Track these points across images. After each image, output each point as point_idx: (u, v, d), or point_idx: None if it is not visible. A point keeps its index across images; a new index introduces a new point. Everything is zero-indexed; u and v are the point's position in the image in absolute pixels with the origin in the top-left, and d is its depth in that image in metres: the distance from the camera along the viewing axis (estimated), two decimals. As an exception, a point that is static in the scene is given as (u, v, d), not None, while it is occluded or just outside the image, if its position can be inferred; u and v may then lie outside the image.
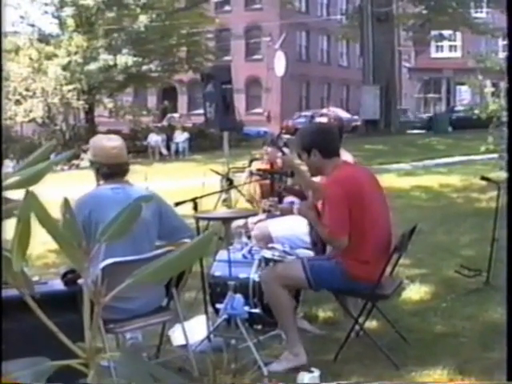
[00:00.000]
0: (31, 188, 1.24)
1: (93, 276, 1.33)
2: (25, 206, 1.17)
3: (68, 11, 36.18)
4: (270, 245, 6.11)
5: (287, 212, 6.48)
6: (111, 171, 4.82)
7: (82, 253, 1.21)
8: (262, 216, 7.01)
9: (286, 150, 6.52)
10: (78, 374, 1.31)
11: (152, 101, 50.09)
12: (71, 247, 1.19)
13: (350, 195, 5.02)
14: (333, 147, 5.30)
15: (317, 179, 5.51)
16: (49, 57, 34.71)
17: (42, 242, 1.45)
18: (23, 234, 1.17)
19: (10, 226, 1.32)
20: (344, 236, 5.01)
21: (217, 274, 6.05)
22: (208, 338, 5.49)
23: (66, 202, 1.23)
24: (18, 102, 33.53)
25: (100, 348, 1.25)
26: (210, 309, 5.98)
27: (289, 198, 6.90)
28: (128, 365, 1.23)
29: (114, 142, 4.97)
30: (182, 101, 52.96)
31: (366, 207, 5.09)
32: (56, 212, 1.28)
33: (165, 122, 40.12)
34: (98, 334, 1.52)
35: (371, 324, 5.84)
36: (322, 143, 5.23)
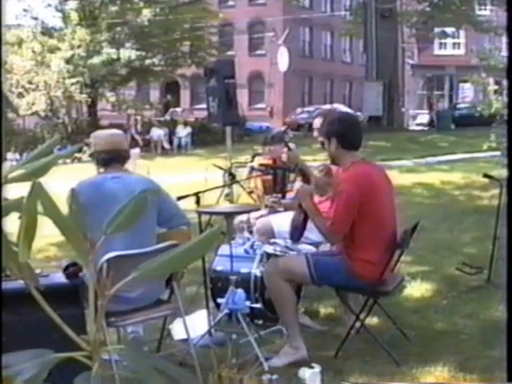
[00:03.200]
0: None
1: (95, 268, 1.33)
2: (31, 197, 1.17)
3: (71, 4, 36.29)
4: (271, 240, 6.10)
5: (290, 207, 6.47)
6: (109, 157, 4.88)
7: (87, 245, 1.21)
8: (264, 211, 7.01)
9: (291, 145, 6.51)
10: (79, 368, 1.31)
11: (155, 95, 50.05)
12: (77, 239, 1.19)
13: (364, 196, 5.01)
14: (352, 139, 5.24)
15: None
16: (52, 50, 34.75)
17: (43, 236, 1.45)
18: (29, 225, 1.17)
19: (10, 220, 1.32)
20: (342, 234, 5.04)
21: (218, 268, 6.05)
22: (209, 332, 5.50)
23: (73, 193, 1.23)
24: (20, 95, 33.56)
25: (103, 341, 1.25)
26: (212, 303, 5.99)
27: (292, 194, 6.89)
28: (132, 358, 1.22)
29: (112, 131, 5.21)
30: (185, 95, 52.94)
31: (376, 209, 5.09)
32: (59, 204, 1.28)
33: (167, 117, 40.12)
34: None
35: (372, 320, 5.84)
36: (342, 133, 5.18)
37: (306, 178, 5.63)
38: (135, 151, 24.72)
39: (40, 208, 1.21)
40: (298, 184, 5.50)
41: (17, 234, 1.21)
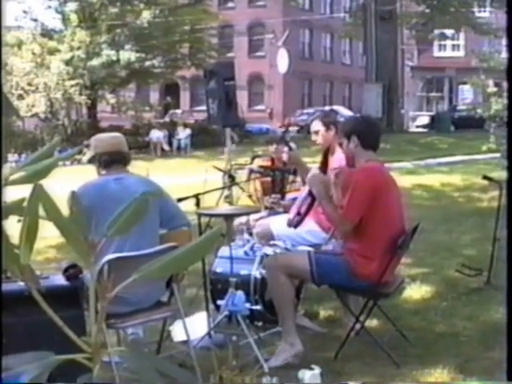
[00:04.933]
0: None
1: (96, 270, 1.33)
2: (33, 199, 1.17)
3: (71, 6, 36.22)
4: (271, 242, 6.10)
5: (290, 209, 6.47)
6: (112, 158, 4.91)
7: (88, 247, 1.21)
8: (263, 213, 7.01)
9: (292, 145, 6.52)
10: (78, 369, 1.31)
11: (154, 97, 50.05)
12: (78, 241, 1.19)
13: (376, 190, 5.08)
14: (372, 140, 5.34)
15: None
16: (52, 52, 34.72)
17: (42, 237, 1.45)
18: (31, 227, 1.17)
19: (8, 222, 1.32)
20: (353, 222, 5.05)
21: (218, 270, 6.04)
22: (209, 334, 5.50)
23: (74, 195, 1.23)
24: (20, 97, 33.52)
25: (104, 343, 1.25)
26: (211, 305, 5.99)
27: (291, 195, 6.89)
28: (134, 359, 1.23)
29: (113, 134, 5.33)
30: (185, 97, 52.97)
31: (385, 206, 5.14)
32: (59, 206, 1.28)
33: (167, 118, 40.12)
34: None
35: (372, 322, 5.84)
36: (363, 132, 5.29)
37: (324, 162, 5.65)
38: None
39: (40, 210, 1.21)
40: (314, 169, 5.51)
41: (19, 236, 1.21)
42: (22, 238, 1.18)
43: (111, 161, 4.90)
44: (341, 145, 5.49)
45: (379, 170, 5.35)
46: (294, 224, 5.48)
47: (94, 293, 1.22)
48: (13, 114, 1.38)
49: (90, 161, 5.07)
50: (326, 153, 5.99)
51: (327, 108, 41.95)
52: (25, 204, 1.19)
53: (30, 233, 1.18)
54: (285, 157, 6.60)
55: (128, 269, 1.37)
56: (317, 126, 6.31)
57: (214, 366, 4.69)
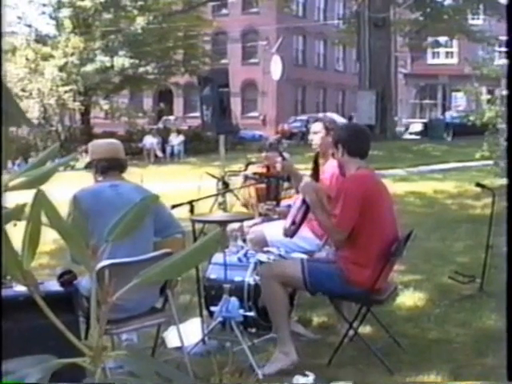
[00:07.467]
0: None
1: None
2: (35, 205, 1.19)
3: (65, 12, 36.24)
4: (265, 248, 6.11)
5: (285, 215, 6.48)
6: (108, 165, 4.91)
7: (89, 252, 1.22)
8: (257, 220, 7.02)
9: (286, 154, 6.53)
10: (72, 375, 1.32)
11: (148, 103, 50.05)
12: (80, 246, 1.20)
13: (367, 197, 5.09)
14: (357, 147, 5.34)
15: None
16: (45, 58, 34.72)
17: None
18: (34, 232, 1.19)
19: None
20: (347, 231, 5.05)
21: (212, 276, 6.05)
22: (203, 340, 5.51)
23: (75, 201, 1.24)
24: (13, 103, 33.43)
25: (106, 347, 1.26)
26: (205, 311, 5.99)
27: (286, 201, 6.91)
28: (135, 363, 1.24)
29: (111, 140, 5.36)
30: (178, 103, 52.97)
31: (377, 213, 5.15)
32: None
33: (160, 125, 40.10)
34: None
35: (365, 329, 5.85)
36: (347, 140, 5.30)
37: (316, 169, 5.66)
38: None
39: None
40: (307, 178, 5.54)
41: (21, 241, 1.22)
42: (24, 243, 1.20)
43: (108, 167, 4.91)
44: (333, 154, 5.51)
45: (370, 177, 5.37)
46: (290, 234, 5.49)
47: (95, 297, 1.24)
48: (26, 124, 1.40)
49: (87, 166, 5.08)
50: (317, 160, 6.00)
51: (320, 115, 42.01)
52: (26, 210, 1.20)
53: (33, 238, 1.19)
54: (278, 166, 6.61)
55: (123, 275, 1.38)
56: (318, 127, 6.32)
57: (214, 369, 4.69)
